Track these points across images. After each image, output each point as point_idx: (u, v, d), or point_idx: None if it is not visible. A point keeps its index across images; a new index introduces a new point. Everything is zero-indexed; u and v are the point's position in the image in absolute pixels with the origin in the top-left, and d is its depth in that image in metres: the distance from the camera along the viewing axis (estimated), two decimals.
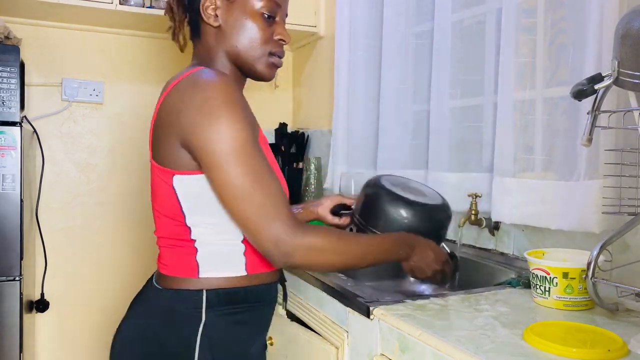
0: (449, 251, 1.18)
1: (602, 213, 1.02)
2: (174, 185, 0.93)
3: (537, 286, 1.01)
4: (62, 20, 2.18)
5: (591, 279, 0.86)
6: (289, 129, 2.58)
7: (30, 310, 2.03)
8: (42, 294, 2.17)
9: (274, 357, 1.42)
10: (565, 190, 1.19)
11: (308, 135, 2.50)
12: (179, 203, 0.93)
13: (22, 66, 1.88)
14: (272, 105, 2.64)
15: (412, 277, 1.06)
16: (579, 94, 0.85)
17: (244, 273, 0.96)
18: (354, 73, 1.99)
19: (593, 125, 0.85)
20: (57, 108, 2.25)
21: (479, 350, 0.76)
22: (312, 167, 2.22)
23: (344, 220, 1.31)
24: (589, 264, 0.87)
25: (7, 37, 1.79)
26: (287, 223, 0.86)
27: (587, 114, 0.87)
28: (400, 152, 1.75)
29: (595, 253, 0.87)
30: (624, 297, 0.96)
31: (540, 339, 0.78)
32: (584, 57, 1.14)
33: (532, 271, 1.03)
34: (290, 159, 2.45)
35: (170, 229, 0.96)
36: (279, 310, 1.37)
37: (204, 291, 0.93)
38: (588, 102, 0.89)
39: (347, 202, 1.32)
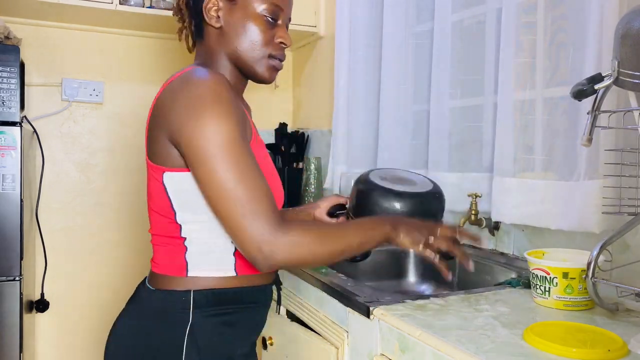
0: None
1: (602, 213, 1.02)
2: (164, 182, 0.93)
3: (537, 286, 1.01)
4: (62, 20, 2.18)
5: (591, 279, 0.86)
6: (289, 129, 2.58)
7: (30, 310, 2.03)
8: (42, 294, 2.17)
9: (274, 357, 1.42)
10: (565, 190, 1.19)
11: (308, 135, 2.50)
12: (170, 200, 0.93)
13: (22, 66, 1.88)
14: (272, 105, 2.64)
15: (417, 253, 0.97)
16: (579, 94, 0.85)
17: (233, 274, 0.95)
18: (354, 73, 1.99)
19: (593, 125, 0.85)
20: (57, 108, 2.25)
21: (479, 350, 0.76)
22: (312, 167, 2.22)
23: (341, 220, 1.31)
24: (589, 264, 0.87)
25: (7, 37, 1.79)
26: (269, 222, 0.84)
27: (587, 114, 0.86)
28: (400, 152, 1.75)
29: (595, 253, 0.87)
30: (624, 297, 0.96)
31: (540, 339, 0.78)
32: (584, 57, 1.14)
33: (532, 271, 1.03)
34: (290, 159, 2.45)
35: (162, 226, 0.96)
36: (280, 310, 1.37)
37: (192, 292, 0.93)
38: (588, 102, 0.89)
39: (343, 201, 1.32)
